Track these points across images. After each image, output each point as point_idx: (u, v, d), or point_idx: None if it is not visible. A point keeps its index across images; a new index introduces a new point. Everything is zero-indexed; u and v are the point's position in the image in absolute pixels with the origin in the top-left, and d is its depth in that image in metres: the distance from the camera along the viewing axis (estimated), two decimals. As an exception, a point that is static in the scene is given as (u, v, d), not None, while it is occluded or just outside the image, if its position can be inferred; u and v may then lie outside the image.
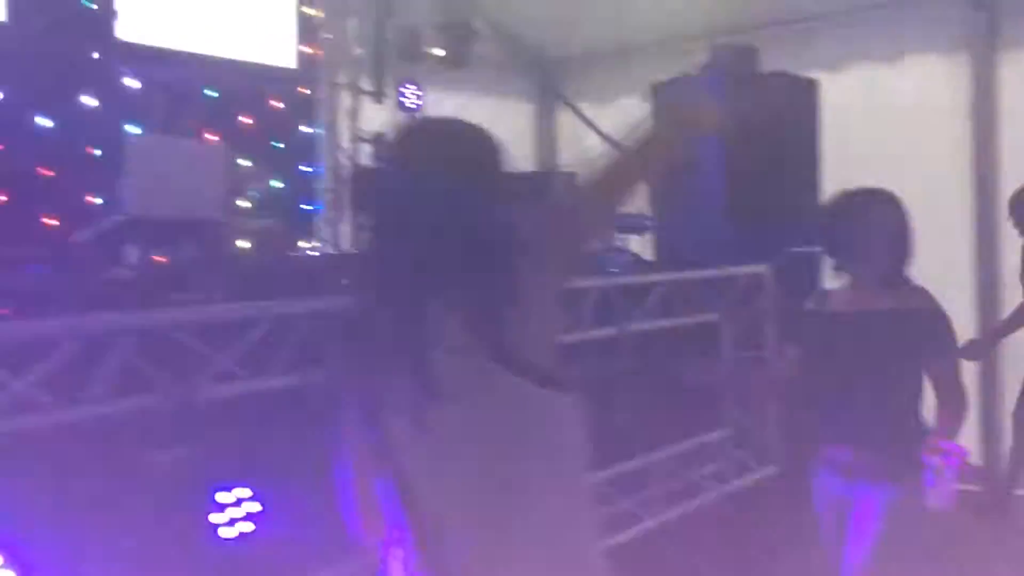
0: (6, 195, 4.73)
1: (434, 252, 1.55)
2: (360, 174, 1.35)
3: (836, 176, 5.24)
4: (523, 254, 1.54)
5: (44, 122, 4.92)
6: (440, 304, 1.54)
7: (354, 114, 6.46)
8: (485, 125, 1.68)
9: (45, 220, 4.81)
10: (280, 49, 6.00)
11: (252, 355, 3.01)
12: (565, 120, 8.83)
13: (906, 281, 2.85)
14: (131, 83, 5.19)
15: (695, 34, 7.59)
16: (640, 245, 6.02)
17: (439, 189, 1.58)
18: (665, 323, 4.74)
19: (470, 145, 1.68)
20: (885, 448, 2.70)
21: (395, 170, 1.64)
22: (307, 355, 3.19)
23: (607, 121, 8.49)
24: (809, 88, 6.06)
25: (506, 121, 8.69)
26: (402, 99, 6.48)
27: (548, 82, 8.76)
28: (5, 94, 4.74)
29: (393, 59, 6.48)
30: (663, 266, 5.50)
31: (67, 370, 2.55)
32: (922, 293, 2.82)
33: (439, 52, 6.75)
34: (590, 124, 8.64)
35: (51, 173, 4.88)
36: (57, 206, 4.83)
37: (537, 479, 1.53)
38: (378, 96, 6.41)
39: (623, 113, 8.12)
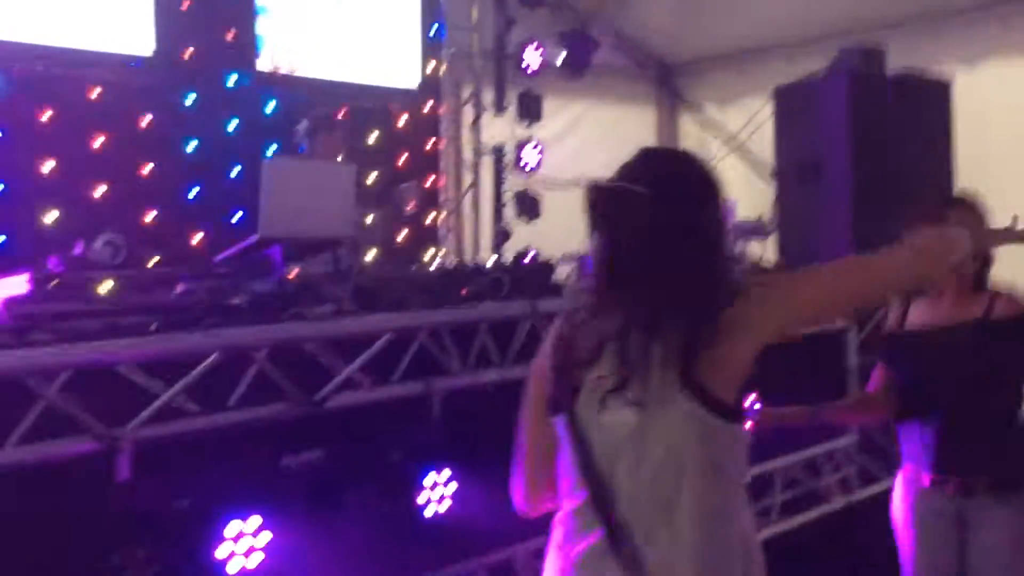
0: (156, 212, 5.14)
1: (659, 277, 1.71)
2: (599, 190, 1.44)
3: (972, 179, 5.04)
4: (739, 316, 1.67)
5: (190, 145, 5.31)
6: (652, 322, 1.70)
7: (476, 127, 6.64)
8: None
9: (191, 238, 5.19)
10: (404, 69, 6.23)
11: (376, 364, 3.18)
12: (688, 123, 8.79)
13: (988, 287, 2.72)
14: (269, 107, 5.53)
15: (820, 35, 7.43)
16: (761, 250, 5.93)
17: (676, 212, 1.73)
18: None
19: (702, 172, 1.80)
20: (998, 468, 2.61)
21: (633, 188, 1.73)
22: (427, 364, 3.36)
23: (730, 123, 8.41)
24: (941, 90, 5.83)
25: (628, 126, 8.72)
26: (522, 110, 6.61)
27: (670, 86, 8.74)
28: (154, 118, 5.15)
29: (514, 71, 6.61)
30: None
31: (210, 380, 2.77)
32: (1008, 298, 2.68)
33: (559, 62, 6.84)
34: (713, 127, 8.58)
35: (196, 193, 5.27)
36: (202, 224, 5.21)
37: (703, 486, 1.70)
38: (499, 108, 6.57)
39: (746, 115, 8.08)
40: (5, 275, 3.32)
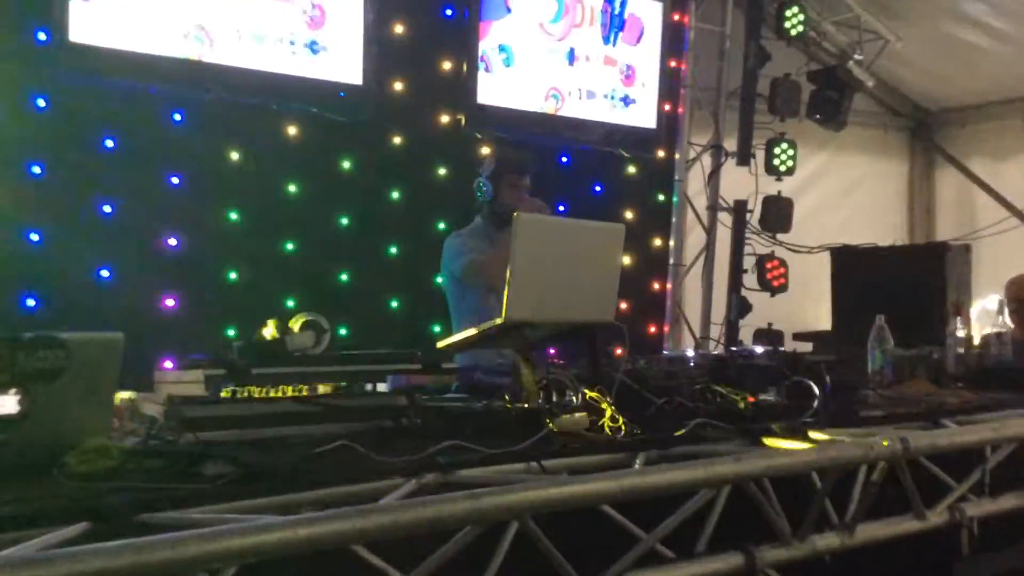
0: (348, 274, 4.32)
1: None
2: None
3: None
4: None
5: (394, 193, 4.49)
6: None
7: (714, 179, 5.58)
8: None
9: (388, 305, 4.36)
10: (640, 106, 5.23)
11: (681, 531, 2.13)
12: (947, 180, 7.43)
13: None
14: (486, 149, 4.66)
15: None
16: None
17: None
18: None
19: None
20: None
21: None
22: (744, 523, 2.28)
23: (1004, 181, 7.02)
24: None
25: (874, 182, 7.43)
26: (774, 161, 5.52)
27: (926, 136, 7.42)
28: (355, 162, 4.34)
29: (763, 114, 5.54)
30: None
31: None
32: None
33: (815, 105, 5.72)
34: (982, 184, 7.20)
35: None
36: (402, 290, 4.37)
37: None
38: (744, 157, 5.49)
39: (1024, 170, 6.66)
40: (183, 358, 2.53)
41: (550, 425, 2.44)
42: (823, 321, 6.79)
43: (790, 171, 5.58)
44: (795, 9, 5.33)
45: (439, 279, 3.88)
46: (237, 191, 4.03)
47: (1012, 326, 5.18)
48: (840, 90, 5.97)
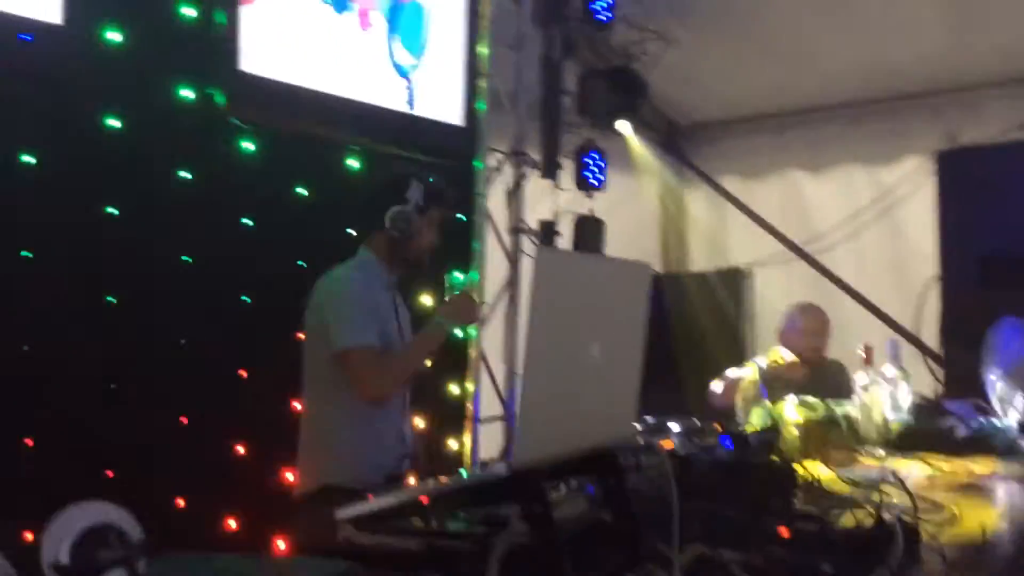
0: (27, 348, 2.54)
1: None
2: None
3: None
4: None
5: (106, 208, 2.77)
6: None
7: (516, 195, 4.42)
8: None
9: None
10: (445, 100, 3.92)
11: None
12: (697, 198, 6.93)
13: None
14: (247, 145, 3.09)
15: (887, 96, 5.95)
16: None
17: None
18: None
19: None
20: None
21: None
22: None
23: (760, 200, 6.65)
24: None
25: (632, 198, 6.70)
26: (585, 174, 4.51)
27: (678, 154, 6.86)
28: (42, 151, 2.57)
29: (572, 117, 4.51)
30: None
31: None
32: None
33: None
34: (735, 202, 6.78)
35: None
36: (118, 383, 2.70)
37: None
38: (550, 169, 4.41)
39: (781, 190, 6.39)
40: None
41: None
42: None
43: (600, 186, 4.63)
44: (604, -9, 4.38)
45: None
46: None
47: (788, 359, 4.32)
48: (629, 94, 5.16)
